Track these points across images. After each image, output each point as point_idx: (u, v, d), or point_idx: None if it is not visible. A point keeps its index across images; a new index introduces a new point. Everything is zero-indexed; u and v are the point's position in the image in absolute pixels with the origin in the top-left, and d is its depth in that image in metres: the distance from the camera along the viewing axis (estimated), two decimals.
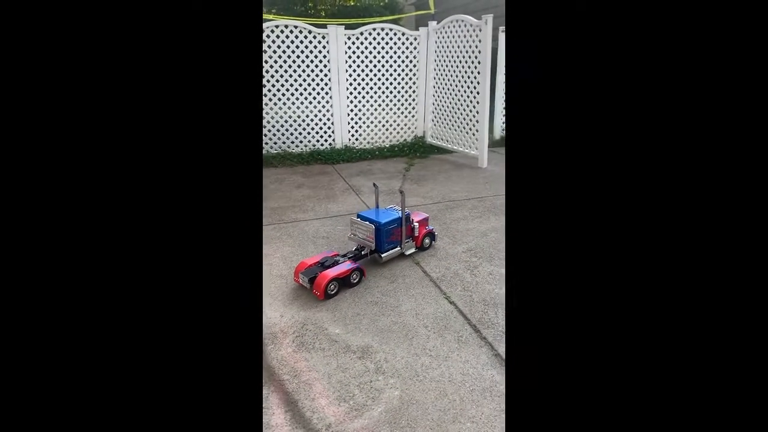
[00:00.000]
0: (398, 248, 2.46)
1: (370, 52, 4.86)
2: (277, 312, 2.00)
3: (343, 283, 2.16)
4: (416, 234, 2.53)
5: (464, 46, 4.44)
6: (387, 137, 5.32)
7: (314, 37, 4.61)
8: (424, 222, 2.59)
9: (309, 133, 4.98)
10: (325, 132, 5.03)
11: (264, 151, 4.87)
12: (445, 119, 5.03)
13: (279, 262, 2.48)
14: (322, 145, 5.06)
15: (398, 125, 5.33)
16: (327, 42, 4.66)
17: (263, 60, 4.51)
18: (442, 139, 5.16)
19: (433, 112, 5.24)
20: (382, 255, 2.38)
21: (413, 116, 5.34)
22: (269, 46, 4.49)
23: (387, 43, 4.88)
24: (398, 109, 5.24)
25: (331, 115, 4.97)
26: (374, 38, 4.81)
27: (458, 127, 4.81)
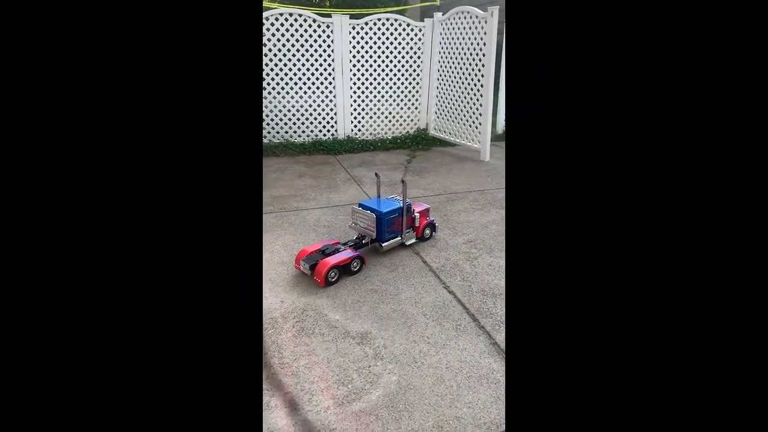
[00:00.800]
0: (399, 238, 2.47)
1: (375, 43, 4.84)
2: (278, 298, 2.02)
3: (344, 270, 2.18)
4: (417, 224, 2.54)
5: (469, 38, 4.42)
6: (390, 129, 5.31)
7: (318, 26, 4.58)
8: (425, 213, 2.60)
9: (312, 123, 4.98)
10: (328, 122, 5.03)
11: (266, 141, 4.88)
12: (448, 112, 5.01)
13: (280, 249, 2.49)
14: (324, 135, 5.06)
15: (401, 117, 5.32)
16: (331, 31, 4.64)
17: (267, 48, 4.50)
18: (444, 132, 5.16)
19: (436, 105, 5.23)
20: (383, 244, 2.39)
21: (416, 108, 5.33)
22: (273, 35, 4.47)
23: (392, 34, 4.85)
24: (401, 100, 5.22)
25: (334, 106, 4.96)
26: (379, 28, 4.79)
27: (461, 120, 4.80)
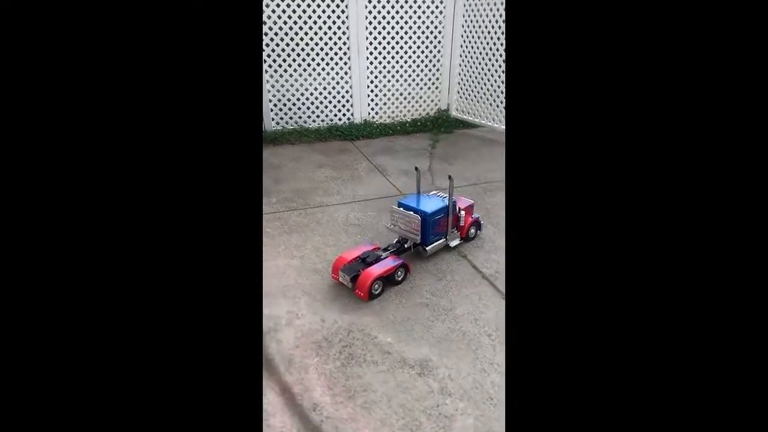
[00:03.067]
0: (443, 240, 2.21)
1: (393, 17, 4.46)
2: (318, 315, 1.79)
3: (387, 280, 1.94)
4: (462, 223, 2.28)
5: (495, 12, 4.05)
6: (409, 111, 4.99)
7: (332, 1, 4.21)
8: (469, 209, 2.34)
9: (326, 107, 4.65)
10: (344, 105, 4.70)
11: (279, 127, 4.58)
12: (471, 91, 4.68)
13: (311, 254, 2.25)
14: (339, 119, 4.74)
15: (421, 98, 4.98)
16: (346, 6, 4.26)
17: (278, 26, 4.14)
18: (467, 113, 4.84)
19: (459, 84, 4.88)
20: (428, 248, 2.14)
21: (437, 88, 4.98)
22: (284, 11, 4.11)
23: (411, 7, 4.47)
24: (421, 80, 4.88)
25: (350, 87, 4.63)
26: (397, 1, 4.40)
27: (485, 99, 4.48)
